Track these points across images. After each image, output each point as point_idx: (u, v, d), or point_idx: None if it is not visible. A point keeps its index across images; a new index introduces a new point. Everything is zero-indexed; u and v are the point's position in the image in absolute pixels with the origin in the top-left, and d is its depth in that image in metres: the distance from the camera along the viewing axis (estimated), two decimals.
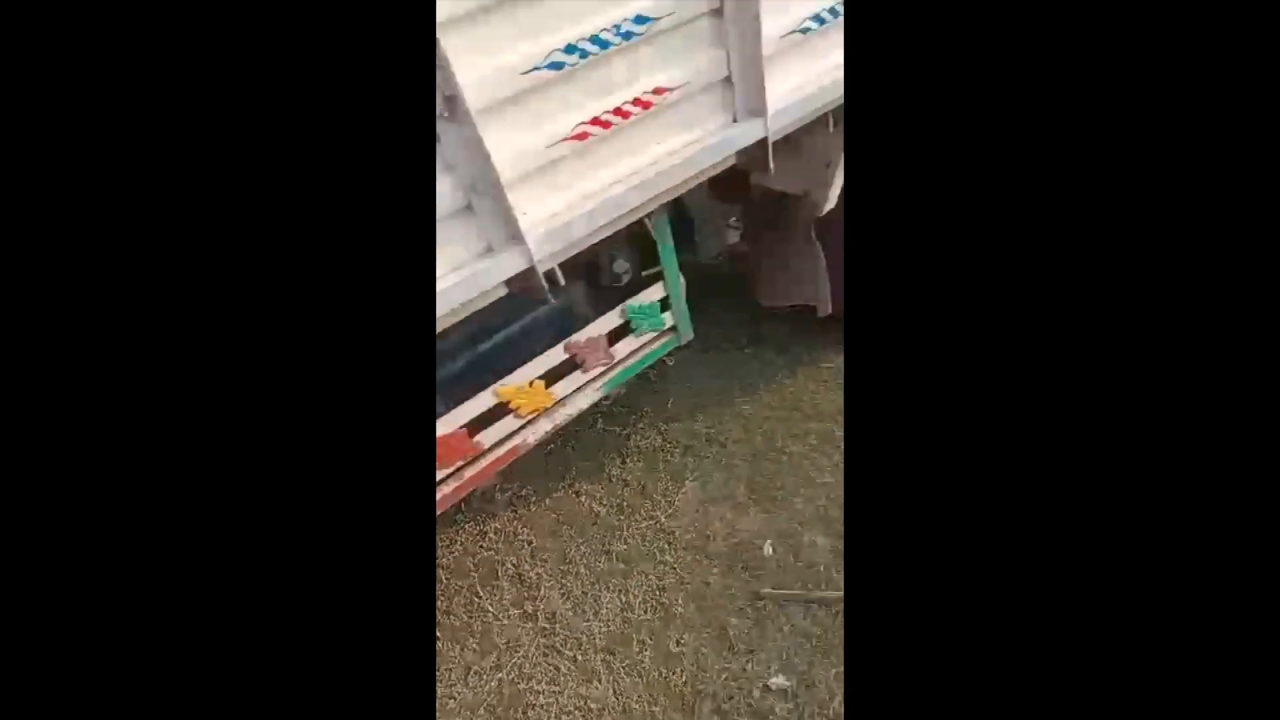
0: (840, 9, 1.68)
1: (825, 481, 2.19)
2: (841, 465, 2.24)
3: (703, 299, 3.08)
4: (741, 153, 1.71)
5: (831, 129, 1.90)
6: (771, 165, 1.72)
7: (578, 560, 2.17)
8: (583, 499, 2.39)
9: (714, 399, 2.61)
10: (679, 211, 2.37)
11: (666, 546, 2.14)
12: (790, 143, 1.95)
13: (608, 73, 1.40)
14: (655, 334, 1.91)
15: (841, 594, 1.85)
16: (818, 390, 2.52)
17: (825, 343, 2.64)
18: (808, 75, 1.73)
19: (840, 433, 2.34)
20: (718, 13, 1.49)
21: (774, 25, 1.58)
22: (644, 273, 1.82)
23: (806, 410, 2.45)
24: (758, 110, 1.63)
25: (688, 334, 1.98)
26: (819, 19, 1.66)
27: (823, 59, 1.75)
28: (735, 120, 1.65)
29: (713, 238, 2.47)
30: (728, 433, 2.47)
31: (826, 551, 2.00)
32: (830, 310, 2.33)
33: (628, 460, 2.47)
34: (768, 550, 2.05)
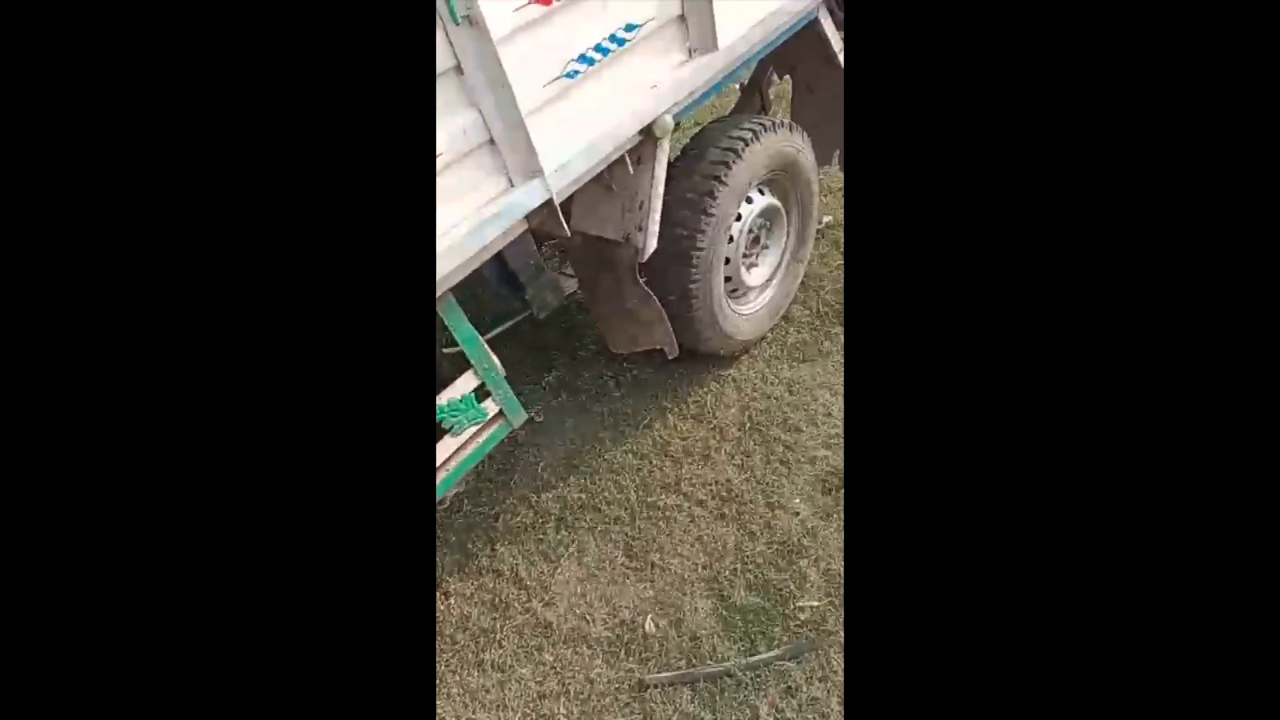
0: (609, 46, 1.53)
1: (700, 535, 2.06)
2: (714, 514, 2.11)
3: (567, 342, 2.91)
4: (531, 216, 1.52)
5: (633, 170, 1.76)
6: (565, 227, 1.55)
7: (449, 679, 1.92)
8: (453, 600, 2.14)
9: (586, 454, 2.42)
10: (502, 269, 2.17)
11: (545, 643, 1.93)
12: (601, 184, 1.79)
13: None
14: (479, 426, 1.70)
15: (724, 666, 1.71)
16: (686, 429, 2.39)
17: (688, 377, 2.52)
18: (588, 120, 1.58)
19: (712, 475, 2.22)
20: (458, 70, 1.29)
21: (531, 75, 1.40)
22: (445, 350, 1.60)
23: (675, 453, 2.31)
24: (534, 170, 1.45)
25: (519, 416, 1.77)
26: (586, 59, 1.50)
27: (602, 100, 1.60)
28: (512, 185, 1.46)
29: (548, 289, 2.28)
30: (601, 493, 2.29)
31: (708, 617, 1.86)
32: (677, 352, 2.20)
33: (498, 545, 2.24)
34: (649, 627, 1.88)
